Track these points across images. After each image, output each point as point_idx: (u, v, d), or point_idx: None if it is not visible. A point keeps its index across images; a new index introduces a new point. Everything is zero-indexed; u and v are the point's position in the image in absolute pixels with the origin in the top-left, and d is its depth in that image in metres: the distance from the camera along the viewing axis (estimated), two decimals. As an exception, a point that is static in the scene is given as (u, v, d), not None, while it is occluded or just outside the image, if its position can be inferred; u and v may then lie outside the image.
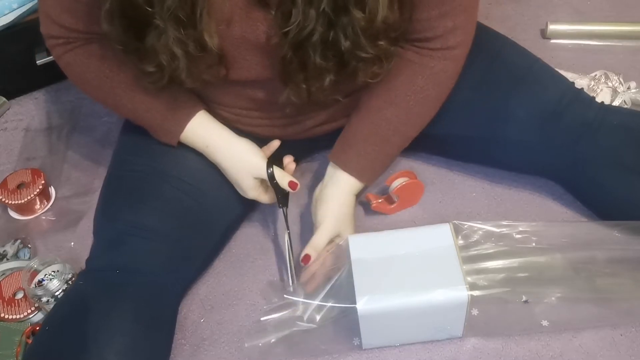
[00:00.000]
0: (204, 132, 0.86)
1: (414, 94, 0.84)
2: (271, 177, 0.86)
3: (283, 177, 0.86)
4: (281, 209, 0.90)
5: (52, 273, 0.90)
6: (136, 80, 0.83)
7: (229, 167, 0.87)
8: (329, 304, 0.78)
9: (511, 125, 0.89)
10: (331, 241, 0.87)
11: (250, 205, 0.98)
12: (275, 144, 0.93)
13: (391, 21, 0.72)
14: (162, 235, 0.83)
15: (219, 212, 0.89)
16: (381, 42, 0.74)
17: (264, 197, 0.90)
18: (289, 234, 0.89)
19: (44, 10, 0.82)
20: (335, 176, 0.89)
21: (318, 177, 1.07)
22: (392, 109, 0.85)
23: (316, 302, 0.79)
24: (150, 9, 0.68)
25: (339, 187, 0.88)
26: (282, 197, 0.88)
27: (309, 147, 1.07)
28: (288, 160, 0.91)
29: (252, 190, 0.88)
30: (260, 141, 0.93)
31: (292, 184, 0.87)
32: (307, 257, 0.84)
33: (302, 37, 0.70)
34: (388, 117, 0.85)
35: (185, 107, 0.86)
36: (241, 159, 0.86)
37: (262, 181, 0.88)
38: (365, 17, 0.69)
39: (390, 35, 0.75)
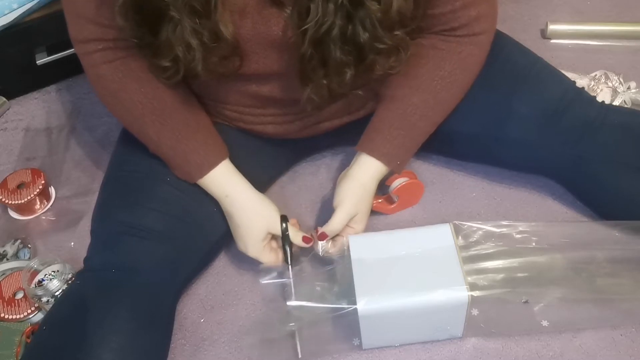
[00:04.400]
0: (225, 181, 0.86)
1: (441, 79, 0.84)
2: (285, 231, 0.85)
3: (296, 233, 0.87)
4: (288, 266, 0.87)
5: (52, 273, 0.90)
6: (167, 113, 0.82)
7: (243, 218, 0.86)
8: (330, 306, 0.78)
9: (513, 124, 0.90)
10: (347, 226, 0.88)
11: None
12: (292, 221, 0.91)
13: (406, 11, 0.72)
14: (159, 234, 0.83)
15: (217, 212, 0.89)
16: (397, 33, 0.74)
17: (265, 256, 0.87)
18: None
19: (74, 11, 0.77)
20: (361, 159, 0.88)
21: (319, 179, 1.07)
22: (418, 95, 0.85)
23: (317, 305, 0.79)
24: (164, 0, 0.68)
25: (363, 169, 0.87)
26: (289, 253, 0.86)
27: (311, 147, 1.07)
28: (294, 221, 0.91)
29: (256, 245, 0.86)
30: (262, 140, 0.93)
31: (306, 239, 0.87)
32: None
33: (322, 33, 0.70)
34: (415, 102, 0.85)
35: (209, 154, 0.85)
36: (258, 212, 0.86)
37: (266, 239, 0.87)
38: (381, 8, 0.69)
39: (406, 25, 0.75)
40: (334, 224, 0.86)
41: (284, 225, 0.85)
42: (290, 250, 0.86)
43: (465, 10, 0.80)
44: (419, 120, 0.86)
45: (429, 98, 0.85)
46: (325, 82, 0.76)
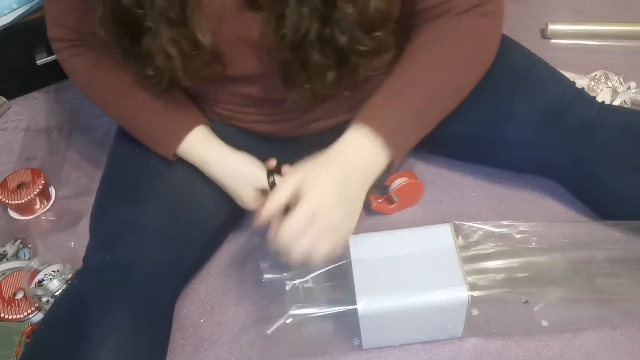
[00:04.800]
0: (202, 147, 0.85)
1: (438, 48, 0.77)
2: (272, 185, 0.84)
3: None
4: None
5: (52, 273, 0.90)
6: (138, 91, 0.83)
7: (228, 181, 0.85)
8: (330, 307, 0.78)
9: (512, 125, 0.89)
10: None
11: None
12: (272, 162, 0.88)
13: (385, 11, 0.70)
14: (157, 232, 0.83)
15: (213, 208, 0.89)
16: (377, 34, 0.72)
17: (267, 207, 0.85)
18: None
19: (48, 12, 0.83)
20: (351, 133, 0.74)
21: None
22: (413, 64, 0.77)
23: (318, 310, 0.79)
24: (140, 11, 0.69)
25: (352, 147, 0.73)
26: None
27: (305, 146, 1.06)
28: (287, 169, 0.88)
29: (254, 201, 0.85)
30: (257, 138, 0.93)
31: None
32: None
33: (299, 37, 0.70)
34: (411, 70, 0.77)
35: (184, 121, 0.85)
36: (241, 172, 0.84)
37: (263, 192, 0.87)
38: (357, 10, 0.68)
39: (386, 26, 0.73)
40: (270, 199, 0.72)
41: (271, 179, 0.83)
42: None
43: None
44: (416, 93, 0.76)
45: (428, 67, 0.77)
46: (308, 85, 0.76)
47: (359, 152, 0.73)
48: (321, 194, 0.70)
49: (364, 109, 0.75)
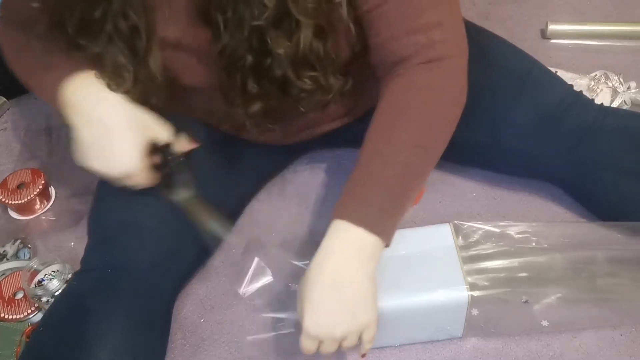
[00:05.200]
0: (98, 84, 0.73)
1: (400, 113, 0.72)
2: (167, 154, 0.73)
3: (187, 143, 0.78)
4: (174, 196, 0.75)
5: (52, 273, 0.90)
6: (37, 55, 0.77)
7: (114, 120, 0.71)
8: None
9: (510, 133, 0.89)
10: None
11: (240, 202, 0.98)
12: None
13: (321, 51, 0.70)
14: (154, 233, 0.83)
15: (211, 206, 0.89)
16: (314, 74, 0.72)
17: (142, 176, 0.74)
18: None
19: None
20: (329, 235, 0.69)
21: (321, 178, 1.07)
22: (381, 138, 0.71)
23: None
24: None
25: (339, 239, 0.68)
26: (179, 175, 0.74)
27: (305, 149, 1.06)
28: (184, 142, 0.79)
29: (134, 158, 0.72)
30: (250, 146, 0.92)
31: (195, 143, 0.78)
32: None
33: (234, 61, 0.70)
34: (379, 145, 0.71)
35: (73, 67, 0.74)
36: (142, 117, 0.73)
37: (149, 153, 0.74)
38: (288, 49, 0.68)
39: (326, 67, 0.72)
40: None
41: (169, 137, 0.72)
42: (179, 175, 0.73)
43: (409, 37, 0.71)
44: (384, 168, 0.70)
45: (391, 137, 0.71)
46: (241, 109, 0.76)
47: (345, 251, 0.67)
48: (316, 317, 0.66)
49: (338, 201, 0.70)
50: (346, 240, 0.68)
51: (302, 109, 0.77)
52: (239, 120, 0.80)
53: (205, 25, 0.71)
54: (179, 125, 0.78)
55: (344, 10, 0.69)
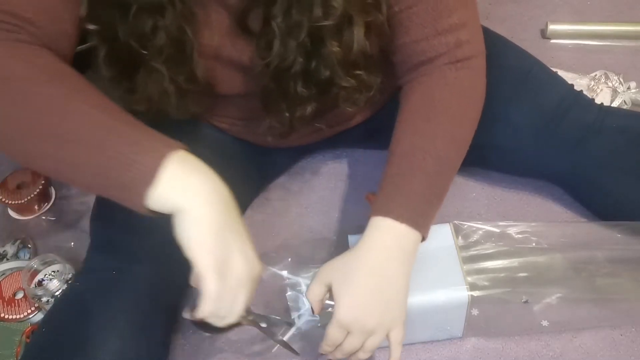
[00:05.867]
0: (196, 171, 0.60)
1: (432, 108, 0.75)
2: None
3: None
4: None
5: (52, 273, 0.90)
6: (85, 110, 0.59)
7: (241, 249, 0.61)
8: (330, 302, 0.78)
9: (509, 132, 0.89)
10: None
11: (243, 203, 0.98)
12: None
13: (368, 52, 0.71)
14: (157, 234, 0.82)
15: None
16: (359, 72, 0.73)
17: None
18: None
19: None
20: (371, 231, 0.70)
21: (320, 178, 1.07)
22: (411, 139, 0.74)
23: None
24: (144, 52, 0.67)
25: (377, 234, 0.70)
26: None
27: (310, 150, 1.06)
28: None
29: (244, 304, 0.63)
30: (252, 148, 0.93)
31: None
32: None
33: (283, 68, 0.70)
34: (413, 142, 0.73)
35: (159, 144, 0.59)
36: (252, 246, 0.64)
37: None
38: (342, 49, 0.69)
39: (369, 65, 0.74)
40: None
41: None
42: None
43: (439, 37, 0.73)
44: (423, 161, 0.72)
45: (425, 131, 0.74)
46: (287, 113, 0.76)
47: (388, 246, 0.69)
48: (352, 305, 0.67)
49: (379, 197, 0.72)
50: (390, 237, 0.69)
51: (348, 107, 0.77)
52: (266, 125, 0.80)
53: (246, 34, 0.71)
54: (182, 126, 0.78)
55: (384, 8, 0.70)
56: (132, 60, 0.69)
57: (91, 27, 0.66)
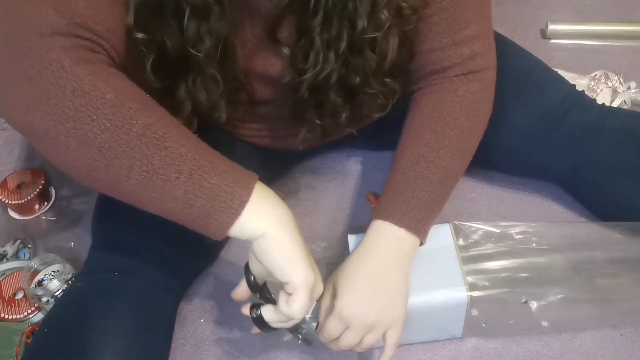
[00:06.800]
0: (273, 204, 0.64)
1: (440, 120, 0.76)
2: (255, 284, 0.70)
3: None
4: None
5: (52, 273, 0.90)
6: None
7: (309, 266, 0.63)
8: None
9: (510, 132, 0.89)
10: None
11: None
12: None
13: (397, 61, 0.72)
14: (159, 235, 0.83)
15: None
16: (387, 80, 0.75)
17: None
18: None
19: None
20: (372, 232, 0.73)
21: (320, 179, 1.07)
22: (419, 141, 0.76)
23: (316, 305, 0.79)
24: (198, 54, 0.65)
25: (378, 236, 0.72)
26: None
27: (302, 155, 1.06)
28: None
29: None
30: (257, 150, 0.92)
31: None
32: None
33: (321, 79, 0.70)
34: (418, 151, 0.75)
35: (241, 178, 0.62)
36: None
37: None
38: (376, 58, 0.70)
39: (395, 73, 0.75)
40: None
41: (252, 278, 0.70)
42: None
43: (455, 48, 0.75)
44: (427, 170, 0.74)
45: (432, 142, 0.75)
46: (319, 122, 0.77)
47: (388, 249, 0.72)
48: (353, 299, 0.69)
49: (381, 202, 0.74)
50: (389, 240, 0.72)
51: (375, 113, 0.79)
52: (301, 135, 0.80)
53: (276, 44, 0.71)
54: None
55: (415, 17, 0.71)
56: (179, 68, 0.68)
57: (139, 35, 0.63)
